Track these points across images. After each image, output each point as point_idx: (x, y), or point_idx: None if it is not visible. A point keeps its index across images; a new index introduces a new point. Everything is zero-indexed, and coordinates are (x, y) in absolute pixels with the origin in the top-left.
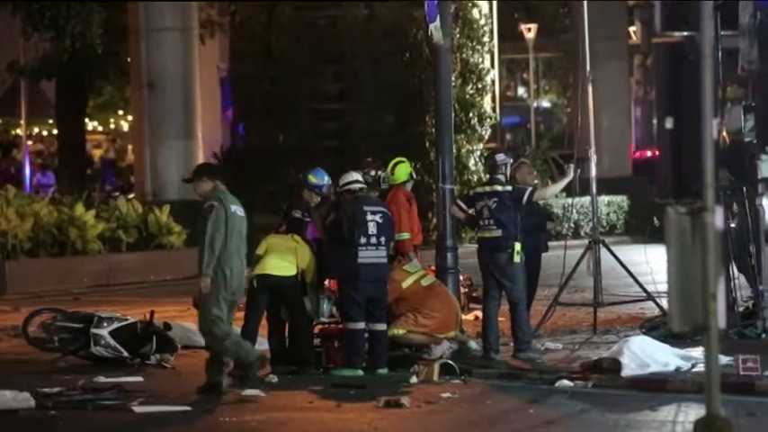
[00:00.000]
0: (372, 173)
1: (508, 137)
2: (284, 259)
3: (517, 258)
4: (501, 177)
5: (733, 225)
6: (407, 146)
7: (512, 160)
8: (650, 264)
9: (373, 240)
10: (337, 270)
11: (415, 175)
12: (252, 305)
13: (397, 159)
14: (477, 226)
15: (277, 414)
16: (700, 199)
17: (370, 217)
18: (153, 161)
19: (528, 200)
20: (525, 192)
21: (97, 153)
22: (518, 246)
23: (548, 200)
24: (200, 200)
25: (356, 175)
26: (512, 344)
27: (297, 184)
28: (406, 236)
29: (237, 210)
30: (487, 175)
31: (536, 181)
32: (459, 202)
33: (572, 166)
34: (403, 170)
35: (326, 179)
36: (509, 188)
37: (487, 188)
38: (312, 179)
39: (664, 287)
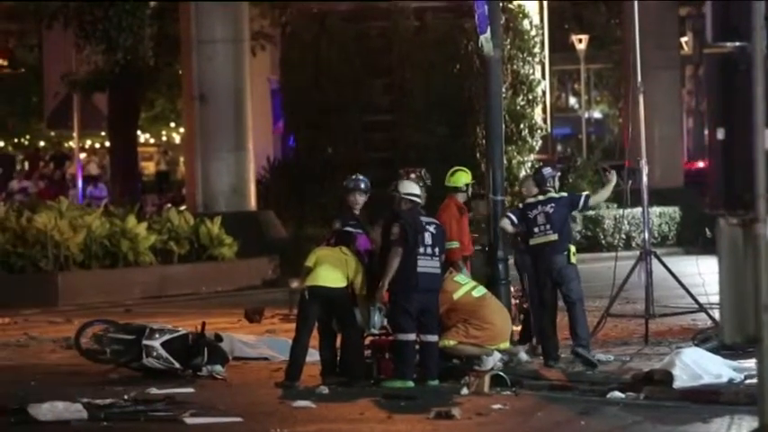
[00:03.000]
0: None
1: (559, 148)
2: (335, 271)
3: (573, 259)
4: (551, 190)
5: None
6: (458, 157)
7: (559, 173)
8: (702, 275)
9: (429, 251)
10: (394, 279)
11: (470, 190)
12: (303, 317)
13: (458, 167)
14: (528, 236)
15: (328, 425)
16: (751, 210)
17: (426, 228)
18: (204, 173)
19: (584, 205)
20: (581, 197)
21: (149, 165)
22: (573, 248)
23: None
24: (250, 212)
25: (417, 188)
26: (561, 354)
27: (342, 196)
28: (455, 244)
29: None
30: (534, 189)
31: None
32: (511, 215)
33: (613, 171)
34: (458, 178)
35: (359, 176)
36: (564, 194)
37: (541, 197)
38: (348, 183)
39: (716, 298)
